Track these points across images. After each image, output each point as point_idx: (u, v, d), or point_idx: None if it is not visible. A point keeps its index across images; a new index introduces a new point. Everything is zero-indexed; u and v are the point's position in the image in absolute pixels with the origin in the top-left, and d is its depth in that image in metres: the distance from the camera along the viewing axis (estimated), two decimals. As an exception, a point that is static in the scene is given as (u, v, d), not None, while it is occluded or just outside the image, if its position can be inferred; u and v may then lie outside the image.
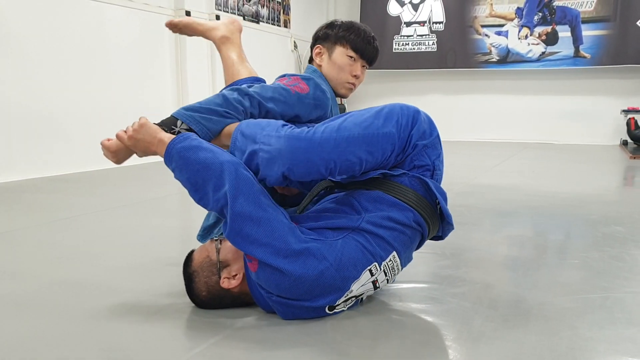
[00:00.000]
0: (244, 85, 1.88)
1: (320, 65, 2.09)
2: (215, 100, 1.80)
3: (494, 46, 8.26)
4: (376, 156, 1.55)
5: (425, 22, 8.57)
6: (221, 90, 1.92)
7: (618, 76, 7.76)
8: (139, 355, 1.40)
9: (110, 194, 3.88)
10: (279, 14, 7.76)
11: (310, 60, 2.16)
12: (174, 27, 2.22)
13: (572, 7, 7.80)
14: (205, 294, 1.62)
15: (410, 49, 8.68)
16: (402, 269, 1.68)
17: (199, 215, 2.34)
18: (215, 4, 6.34)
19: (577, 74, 7.95)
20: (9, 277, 2.04)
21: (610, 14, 7.62)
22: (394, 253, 1.59)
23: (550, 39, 7.95)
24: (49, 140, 4.62)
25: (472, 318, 1.62)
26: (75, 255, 2.32)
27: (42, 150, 4.55)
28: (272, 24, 7.59)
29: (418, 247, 1.74)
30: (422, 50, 8.62)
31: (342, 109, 8.23)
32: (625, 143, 7.45)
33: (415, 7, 8.59)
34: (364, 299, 1.70)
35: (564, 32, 7.88)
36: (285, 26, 7.93)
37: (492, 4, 8.21)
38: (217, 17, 6.28)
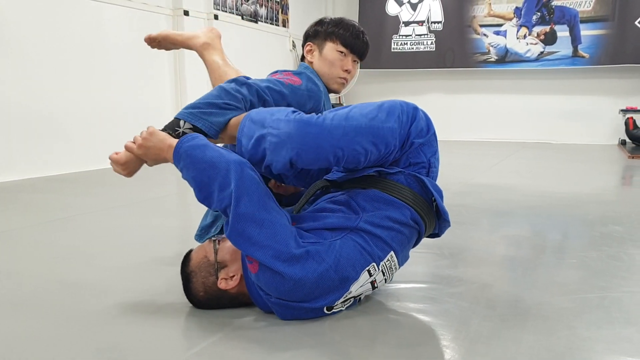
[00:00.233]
0: (241, 77, 1.88)
1: (311, 62, 2.12)
2: (213, 94, 1.80)
3: (492, 46, 8.26)
4: (380, 149, 1.54)
5: (423, 21, 8.57)
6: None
7: (616, 76, 7.76)
8: (136, 355, 1.40)
9: (108, 193, 3.87)
10: (278, 13, 7.76)
11: (302, 59, 2.17)
12: (153, 41, 2.23)
13: (571, 6, 7.80)
14: (203, 295, 1.62)
15: (409, 48, 8.68)
16: (399, 268, 1.68)
17: (196, 215, 2.35)
18: (214, 4, 6.34)
19: (575, 74, 7.95)
20: (6, 277, 2.04)
21: (608, 13, 7.62)
22: (392, 253, 1.60)
23: (549, 39, 7.95)
24: (47, 140, 4.61)
25: (469, 318, 1.62)
26: (73, 255, 2.31)
27: (40, 150, 4.55)
28: (270, 23, 7.59)
29: (415, 245, 1.74)
30: (421, 49, 8.62)
31: (341, 109, 8.21)
32: (623, 143, 7.46)
33: (414, 6, 8.59)
34: (362, 298, 1.70)
35: (563, 32, 7.88)
36: (284, 26, 7.93)
37: (490, 4, 8.21)
38: (216, 17, 6.28)
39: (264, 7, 7.41)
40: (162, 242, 2.57)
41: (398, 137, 1.57)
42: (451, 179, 4.33)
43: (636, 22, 7.48)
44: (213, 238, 1.67)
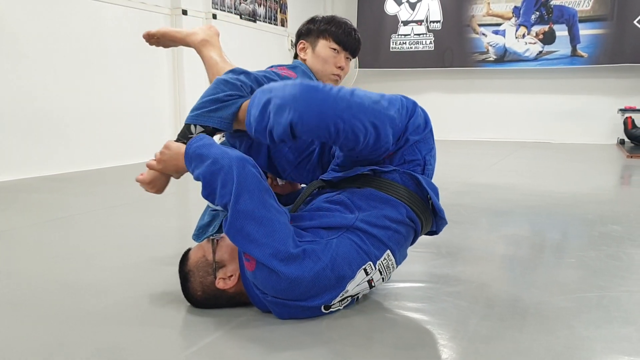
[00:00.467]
0: (237, 67, 1.88)
1: (305, 60, 2.15)
2: (213, 88, 1.79)
3: (491, 45, 8.26)
4: (379, 132, 1.52)
5: (422, 21, 8.57)
6: None
7: (615, 75, 7.76)
8: (134, 354, 1.39)
9: (107, 193, 3.87)
10: (276, 12, 7.76)
11: (296, 57, 2.20)
12: (151, 37, 2.23)
13: (569, 6, 7.80)
14: (201, 294, 1.62)
15: (408, 47, 8.68)
16: (397, 267, 1.68)
17: (195, 214, 2.35)
18: (212, 3, 6.34)
19: (574, 73, 7.95)
20: (5, 276, 2.03)
21: (607, 13, 7.62)
22: (388, 252, 1.59)
23: (548, 38, 7.95)
24: (46, 139, 4.61)
25: (468, 317, 1.62)
26: (71, 255, 2.31)
27: (39, 150, 4.54)
28: (269, 22, 7.58)
29: (412, 243, 1.74)
30: (420, 49, 8.62)
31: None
32: (622, 142, 7.46)
33: (413, 6, 8.59)
34: (359, 297, 1.70)
35: (561, 31, 7.88)
36: (282, 25, 7.93)
37: (489, 3, 8.21)
38: (214, 16, 6.27)
39: (262, 6, 7.40)
40: (160, 241, 2.57)
41: (396, 128, 1.57)
42: (450, 178, 4.33)
43: (635, 22, 7.48)
44: (211, 237, 1.67)
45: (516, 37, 8.11)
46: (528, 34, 8.04)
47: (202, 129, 1.73)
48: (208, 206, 2.17)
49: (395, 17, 8.71)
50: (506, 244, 2.53)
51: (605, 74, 7.80)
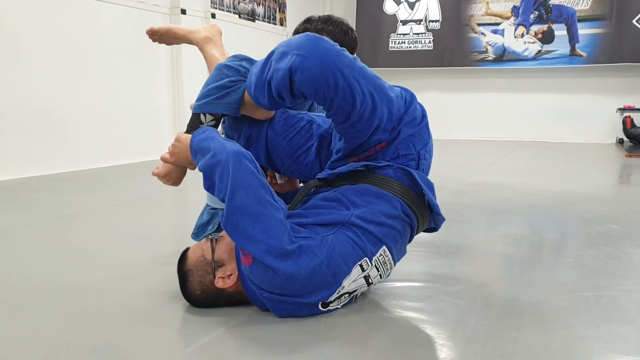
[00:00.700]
0: (239, 54, 1.89)
1: None
2: (214, 76, 1.80)
3: (490, 45, 8.27)
4: (375, 105, 1.53)
5: (421, 20, 8.57)
6: None
7: (614, 74, 7.77)
8: (133, 353, 1.39)
9: (106, 192, 3.87)
10: (275, 12, 7.76)
11: None
12: (155, 34, 2.24)
13: (568, 5, 7.81)
14: (200, 293, 1.62)
15: (407, 47, 8.68)
16: (395, 264, 1.68)
17: (193, 213, 2.34)
18: (211, 2, 6.34)
19: (573, 73, 7.96)
20: (4, 276, 2.03)
21: (606, 12, 7.63)
22: (384, 247, 1.59)
23: (546, 38, 7.96)
24: (45, 139, 4.60)
25: (466, 317, 1.62)
26: (71, 254, 2.31)
27: (38, 149, 4.54)
28: (268, 22, 7.58)
29: (410, 240, 1.74)
30: (419, 48, 8.62)
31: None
32: (621, 141, 7.47)
33: (412, 5, 8.59)
34: (357, 296, 1.70)
35: (560, 31, 7.89)
36: (281, 24, 7.93)
37: (488, 3, 8.21)
38: (213, 16, 6.27)
39: (261, 5, 7.40)
40: (159, 240, 2.57)
41: (393, 110, 1.59)
42: (448, 177, 4.33)
43: (634, 21, 7.49)
44: (210, 237, 1.67)
45: (515, 37, 8.12)
46: (527, 33, 8.05)
47: (212, 117, 1.75)
48: (207, 205, 2.17)
49: (394, 17, 8.71)
50: (505, 243, 2.53)
51: (604, 73, 7.81)
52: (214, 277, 1.59)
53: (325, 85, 1.46)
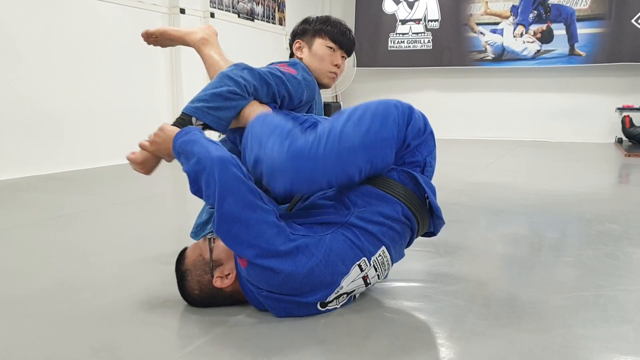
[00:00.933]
0: (240, 62, 1.90)
1: (301, 59, 2.17)
2: (215, 83, 1.81)
3: (489, 44, 8.27)
4: (376, 163, 1.55)
5: (420, 20, 8.57)
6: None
7: (613, 74, 7.77)
8: (130, 353, 1.39)
9: (105, 192, 3.87)
10: (274, 11, 7.75)
11: (291, 56, 2.22)
12: (150, 36, 2.24)
13: (567, 5, 7.81)
14: (198, 293, 1.62)
15: (406, 46, 8.67)
16: (392, 265, 1.68)
17: (192, 213, 2.34)
18: (210, 2, 6.33)
19: (572, 72, 7.96)
20: (4, 275, 2.03)
21: (605, 12, 7.63)
22: (383, 248, 1.59)
23: (546, 37, 7.95)
24: (44, 138, 4.60)
25: (465, 316, 1.62)
26: (70, 254, 2.31)
27: (37, 149, 4.53)
28: (267, 21, 7.58)
29: (409, 244, 1.74)
30: (418, 48, 8.62)
31: (337, 107, 8.23)
32: (620, 141, 7.47)
33: (411, 5, 8.59)
34: (356, 296, 1.70)
35: (559, 30, 7.88)
36: (280, 24, 7.92)
37: (487, 2, 8.21)
38: (212, 15, 6.27)
39: (260, 5, 7.40)
40: (158, 240, 2.57)
41: (394, 145, 1.57)
42: (448, 177, 4.33)
43: (633, 21, 7.49)
44: (208, 236, 1.67)
45: (514, 36, 8.12)
46: (526, 32, 8.05)
47: (202, 124, 1.76)
48: (206, 204, 2.17)
49: (393, 16, 8.70)
50: (504, 242, 2.54)
51: (603, 72, 7.81)
52: (212, 276, 1.59)
53: (321, 189, 1.60)
